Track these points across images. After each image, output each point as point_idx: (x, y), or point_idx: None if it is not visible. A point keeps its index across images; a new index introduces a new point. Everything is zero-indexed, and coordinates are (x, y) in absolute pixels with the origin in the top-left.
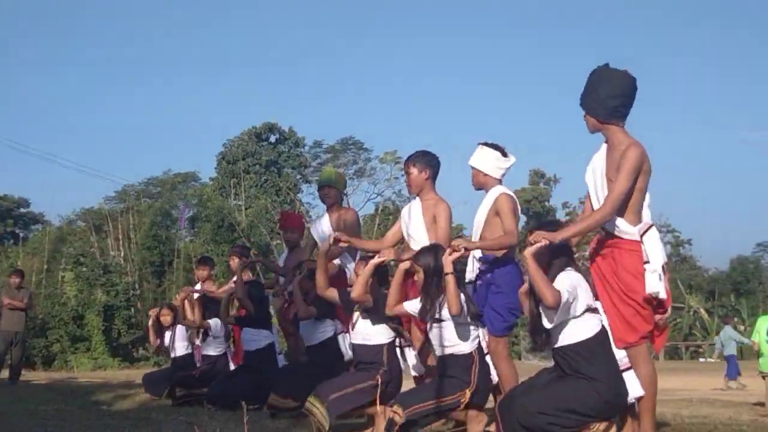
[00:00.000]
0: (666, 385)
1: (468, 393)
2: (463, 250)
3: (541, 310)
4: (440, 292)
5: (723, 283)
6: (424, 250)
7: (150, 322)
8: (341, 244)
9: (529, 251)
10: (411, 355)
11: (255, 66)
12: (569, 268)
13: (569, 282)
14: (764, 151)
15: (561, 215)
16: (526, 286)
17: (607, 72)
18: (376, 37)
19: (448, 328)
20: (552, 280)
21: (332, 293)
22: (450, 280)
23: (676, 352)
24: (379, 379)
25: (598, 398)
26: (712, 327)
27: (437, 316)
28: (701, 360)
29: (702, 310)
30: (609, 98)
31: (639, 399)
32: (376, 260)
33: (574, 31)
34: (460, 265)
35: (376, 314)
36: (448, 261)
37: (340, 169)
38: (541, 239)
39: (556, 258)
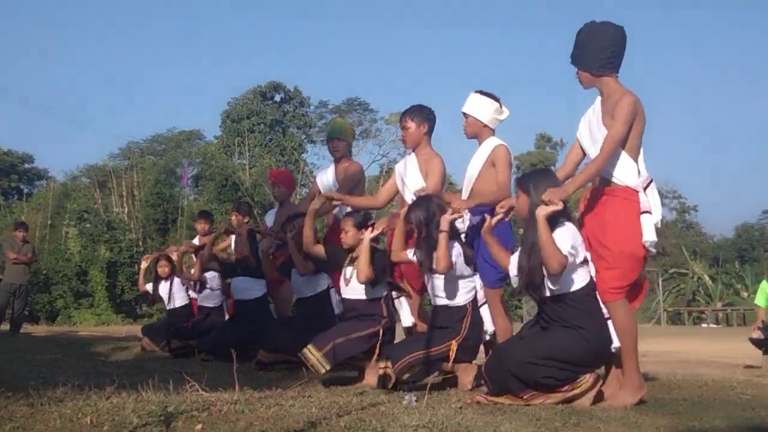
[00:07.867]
0: (665, 347)
1: (455, 344)
2: (464, 213)
3: (544, 272)
4: (434, 243)
5: (728, 250)
6: (413, 206)
7: (142, 266)
8: (334, 202)
9: (543, 213)
10: (404, 305)
11: (260, 26)
12: (565, 221)
13: (571, 241)
14: None
15: None
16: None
17: (595, 26)
18: None
19: (443, 279)
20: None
21: (318, 249)
22: (443, 237)
23: (678, 318)
24: (381, 328)
25: (587, 346)
26: (716, 293)
27: (434, 267)
28: (703, 326)
29: (706, 277)
30: (600, 50)
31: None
32: (369, 236)
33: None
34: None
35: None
36: (445, 220)
37: None
38: (556, 199)
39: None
